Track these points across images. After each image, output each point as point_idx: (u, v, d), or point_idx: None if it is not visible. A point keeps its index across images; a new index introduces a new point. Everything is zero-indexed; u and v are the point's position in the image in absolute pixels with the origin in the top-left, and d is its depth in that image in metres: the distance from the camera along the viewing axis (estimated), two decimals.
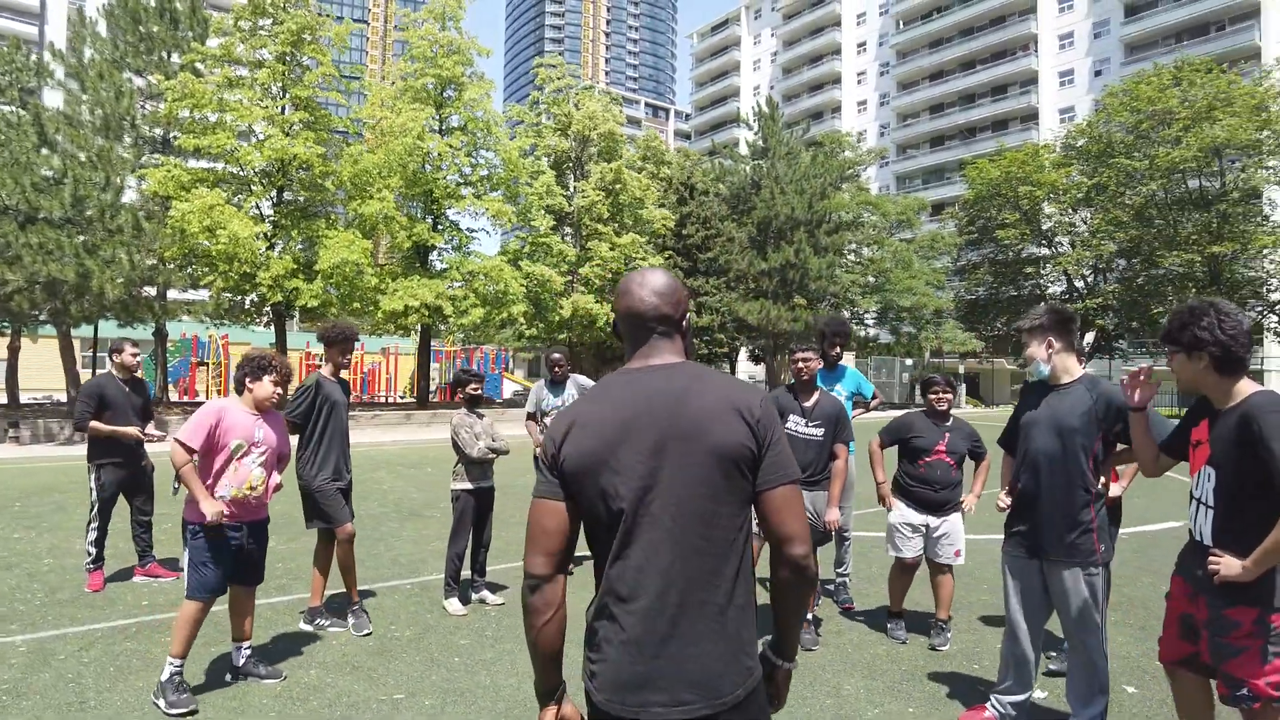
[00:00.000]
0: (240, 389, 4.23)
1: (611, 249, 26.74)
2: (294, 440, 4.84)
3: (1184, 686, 2.94)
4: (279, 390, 4.26)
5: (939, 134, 71.98)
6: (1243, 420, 2.58)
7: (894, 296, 34.22)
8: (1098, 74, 60.95)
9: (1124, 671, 4.36)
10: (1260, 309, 31.35)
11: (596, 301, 26.62)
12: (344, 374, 5.43)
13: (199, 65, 21.35)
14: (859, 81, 78.64)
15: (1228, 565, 2.58)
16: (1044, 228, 38.05)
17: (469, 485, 5.53)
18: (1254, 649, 2.56)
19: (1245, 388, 2.67)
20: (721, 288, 30.09)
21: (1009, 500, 3.69)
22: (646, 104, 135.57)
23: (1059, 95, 63.50)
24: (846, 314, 35.54)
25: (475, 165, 24.68)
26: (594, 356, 30.73)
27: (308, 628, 4.95)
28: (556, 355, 6.46)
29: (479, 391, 5.78)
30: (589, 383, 6.47)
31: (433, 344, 28.14)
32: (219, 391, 25.04)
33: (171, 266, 19.85)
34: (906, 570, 4.98)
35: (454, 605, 5.36)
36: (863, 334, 37.12)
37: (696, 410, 1.62)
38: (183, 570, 4.01)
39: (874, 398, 6.16)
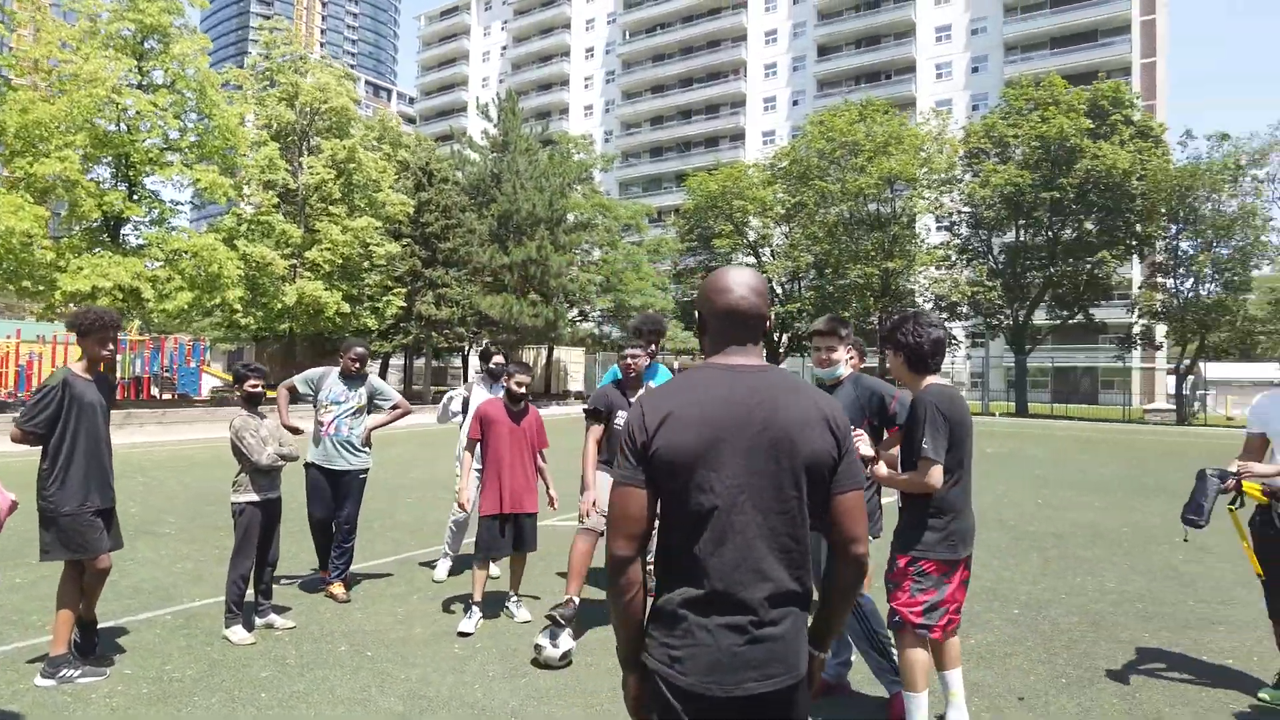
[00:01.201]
0: None
1: (343, 232, 24.78)
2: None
3: None
4: None
5: (659, 145, 76.56)
6: (912, 403, 3.35)
7: (625, 296, 35.90)
8: (795, 103, 68.78)
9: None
10: (946, 317, 37.68)
11: (326, 288, 24.54)
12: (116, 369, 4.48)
13: None
14: (586, 86, 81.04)
15: (877, 468, 3.45)
16: (751, 239, 42.16)
17: (255, 497, 4.85)
18: (897, 585, 3.36)
19: (928, 382, 3.38)
20: (462, 280, 29.35)
21: None
22: (367, 82, 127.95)
23: (763, 118, 70.66)
24: (577, 312, 36.65)
25: (185, 130, 21.49)
26: (311, 349, 28.26)
27: (48, 683, 4.02)
28: (360, 350, 5.85)
29: (259, 389, 5.10)
30: (387, 390, 5.97)
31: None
32: None
33: None
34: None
35: (238, 634, 4.67)
36: (595, 331, 38.51)
37: (791, 419, 1.73)
38: None
39: None
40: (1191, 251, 34.29)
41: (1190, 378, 34.19)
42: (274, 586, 5.11)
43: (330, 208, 25.20)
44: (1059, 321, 38.18)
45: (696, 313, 1.91)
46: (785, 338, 41.27)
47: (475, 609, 4.97)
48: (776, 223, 39.32)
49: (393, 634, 4.83)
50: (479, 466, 5.59)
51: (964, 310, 37.06)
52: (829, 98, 62.16)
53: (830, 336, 4.00)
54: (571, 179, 34.08)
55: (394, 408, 5.86)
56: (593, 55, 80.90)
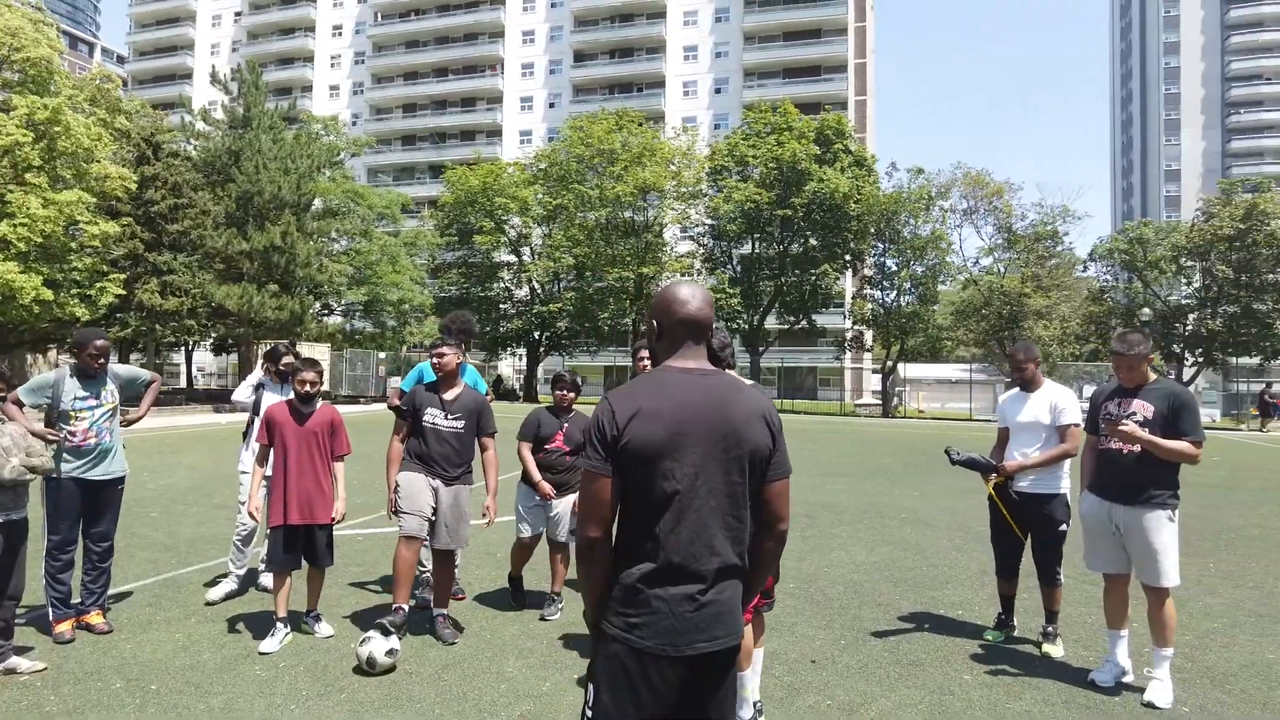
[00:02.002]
0: None
1: (45, 206, 20.93)
2: None
3: None
4: None
5: (411, 133, 73.78)
6: None
7: (381, 290, 34.25)
8: (552, 106, 69.68)
9: None
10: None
11: (21, 270, 20.57)
12: None
13: None
14: (333, 65, 75.97)
15: None
16: (512, 237, 42.18)
17: None
18: None
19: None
20: (193, 266, 26.11)
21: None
22: (62, 30, 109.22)
23: (520, 117, 70.77)
24: (321, 305, 34.24)
25: None
26: None
27: None
28: (101, 343, 5.09)
29: (3, 394, 4.35)
30: (133, 370, 5.30)
31: None
32: None
33: None
34: (526, 548, 5.50)
35: None
36: (348, 327, 36.29)
37: (739, 416, 2.00)
38: None
39: (488, 395, 6.38)
40: (894, 268, 39.84)
41: (891, 377, 39.72)
42: (13, 624, 4.36)
43: (28, 176, 21.17)
44: (787, 326, 42.46)
45: (654, 321, 2.14)
46: (544, 336, 41.76)
47: (280, 626, 4.61)
48: (537, 223, 39.75)
49: (177, 662, 4.35)
50: (270, 473, 5.17)
51: None
52: (584, 104, 63.79)
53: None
54: (321, 162, 31.81)
55: (148, 385, 5.28)
56: (340, 34, 75.99)
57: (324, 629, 4.82)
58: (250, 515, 4.91)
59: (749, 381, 3.74)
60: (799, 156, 36.36)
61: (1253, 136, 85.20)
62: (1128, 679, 4.26)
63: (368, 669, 4.19)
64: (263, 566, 5.77)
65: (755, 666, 3.61)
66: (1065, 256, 39.65)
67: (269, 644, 4.52)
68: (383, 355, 38.61)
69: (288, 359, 5.87)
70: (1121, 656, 4.31)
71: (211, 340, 34.96)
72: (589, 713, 1.99)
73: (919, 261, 38.74)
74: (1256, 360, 37.66)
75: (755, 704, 3.60)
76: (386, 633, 4.28)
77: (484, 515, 4.99)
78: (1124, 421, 4.14)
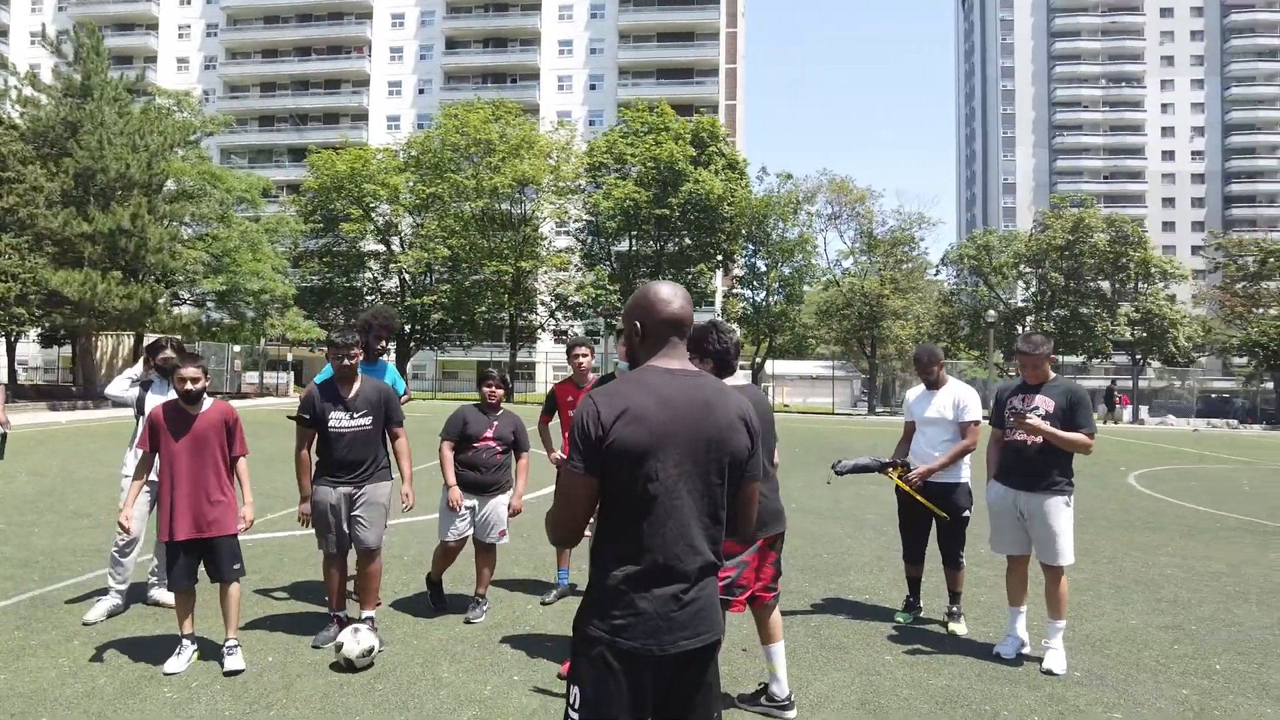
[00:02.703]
0: None
1: None
2: None
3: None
4: None
5: (270, 114, 69.57)
6: None
7: (240, 279, 32.05)
8: (421, 92, 67.54)
9: None
10: (568, 317, 39.80)
11: None
12: None
13: None
14: (181, 36, 70.46)
15: None
16: (380, 225, 40.59)
17: None
18: None
19: (733, 383, 3.71)
20: (22, 248, 23.38)
21: None
22: None
23: (388, 102, 68.16)
24: (170, 294, 31.65)
25: None
26: None
27: None
28: None
29: None
30: None
31: None
32: None
33: None
34: (450, 551, 5.21)
35: None
36: (204, 318, 33.70)
37: (721, 419, 2.03)
38: None
39: (405, 395, 6.12)
40: (763, 269, 41.33)
41: (759, 373, 41.21)
42: None
43: None
44: None
45: (635, 322, 2.11)
46: (415, 329, 40.47)
47: (186, 644, 4.25)
48: (409, 211, 38.41)
49: (67, 691, 3.92)
50: (155, 478, 4.73)
51: (584, 310, 39.99)
52: (457, 91, 62.30)
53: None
54: (174, 140, 29.36)
55: None
56: (190, 1, 70.46)
57: (235, 662, 4.22)
58: (120, 525, 4.45)
59: (743, 381, 3.79)
60: (676, 157, 37.03)
61: (1074, 157, 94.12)
62: (1026, 650, 4.65)
63: (338, 660, 4.19)
64: (152, 580, 5.33)
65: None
66: (919, 260, 42.43)
67: (174, 663, 4.16)
68: (237, 349, 36.23)
69: (166, 353, 5.31)
70: (1021, 630, 4.69)
71: (40, 331, 31.59)
72: (574, 716, 1.97)
73: (787, 263, 40.39)
74: (1080, 359, 41.72)
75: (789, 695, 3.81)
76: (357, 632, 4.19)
77: (403, 503, 4.83)
78: (1029, 416, 4.51)
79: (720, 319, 4.63)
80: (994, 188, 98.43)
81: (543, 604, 5.49)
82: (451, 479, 5.10)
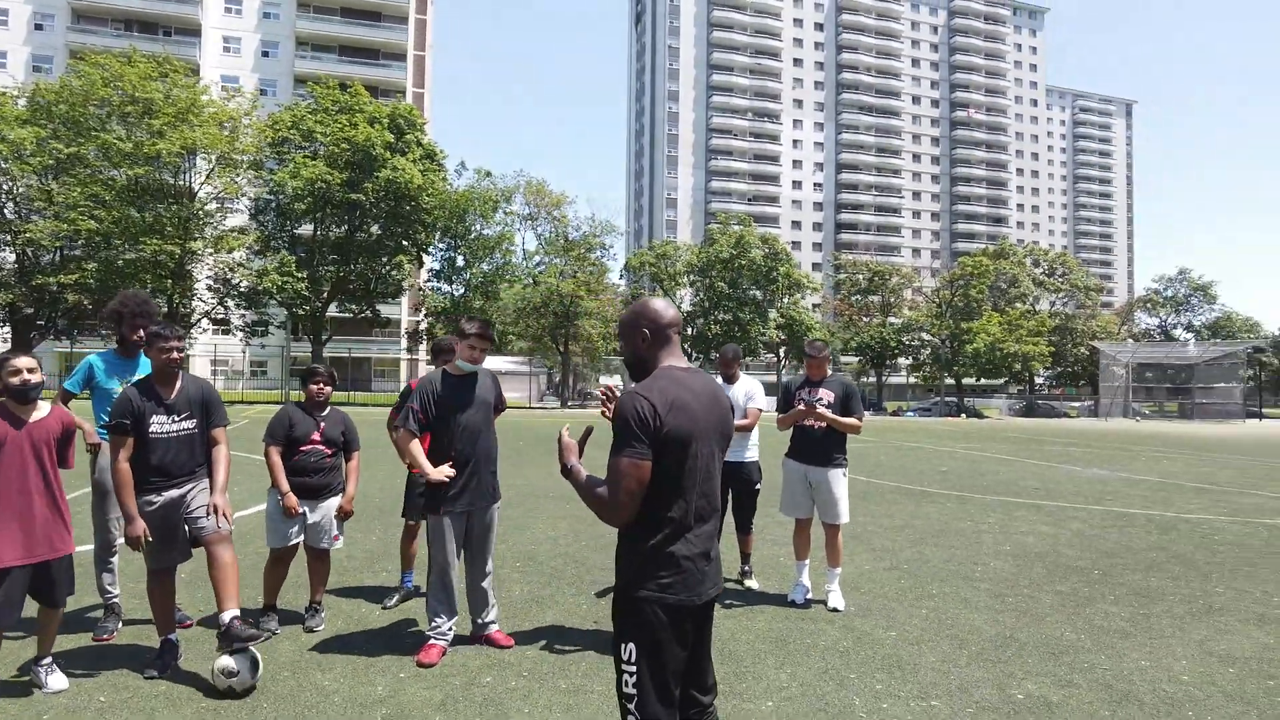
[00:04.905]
0: None
1: None
2: None
3: None
4: None
5: None
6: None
7: None
8: (39, 28, 56.16)
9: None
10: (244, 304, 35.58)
11: None
12: None
13: None
14: None
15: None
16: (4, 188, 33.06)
17: None
18: None
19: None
20: None
21: (451, 470, 4.54)
22: None
23: None
24: None
25: None
26: None
27: None
28: None
29: None
30: None
31: None
32: None
33: None
34: (281, 562, 4.94)
35: None
36: None
37: (725, 406, 2.56)
38: None
39: None
40: (462, 264, 41.19)
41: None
42: None
43: None
44: (350, 315, 40.99)
45: (645, 330, 2.51)
46: (47, 315, 33.72)
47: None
48: (37, 173, 31.74)
49: None
50: None
51: (262, 299, 36.46)
52: (90, 35, 53.03)
53: (485, 339, 4.61)
54: None
55: None
56: None
57: (57, 681, 3.85)
58: None
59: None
60: (374, 141, 35.39)
61: (726, 179, 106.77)
62: (810, 595, 5.75)
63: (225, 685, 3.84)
64: None
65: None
66: (600, 265, 45.36)
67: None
68: None
69: None
70: (806, 578, 5.79)
71: None
72: (629, 670, 2.33)
73: (486, 260, 40.73)
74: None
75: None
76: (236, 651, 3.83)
77: (210, 515, 4.16)
78: (818, 406, 5.60)
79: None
80: (660, 200, 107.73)
81: (384, 608, 5.37)
82: (284, 485, 4.77)
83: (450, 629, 4.54)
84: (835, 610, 5.49)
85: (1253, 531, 8.95)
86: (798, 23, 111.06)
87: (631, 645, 2.33)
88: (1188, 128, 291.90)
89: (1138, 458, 19.34)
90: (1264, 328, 70.64)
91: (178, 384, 4.25)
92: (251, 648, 3.98)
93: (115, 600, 4.81)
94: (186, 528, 4.20)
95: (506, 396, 5.25)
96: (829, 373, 5.88)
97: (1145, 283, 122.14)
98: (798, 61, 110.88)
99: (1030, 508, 10.41)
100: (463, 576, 4.70)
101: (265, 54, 60.58)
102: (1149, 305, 71.59)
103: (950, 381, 56.98)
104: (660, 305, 2.53)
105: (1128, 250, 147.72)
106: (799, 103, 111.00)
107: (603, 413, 2.84)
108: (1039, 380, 70.75)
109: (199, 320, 37.24)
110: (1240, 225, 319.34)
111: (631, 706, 2.31)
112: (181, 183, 34.35)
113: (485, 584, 4.74)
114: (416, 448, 4.53)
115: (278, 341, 42.91)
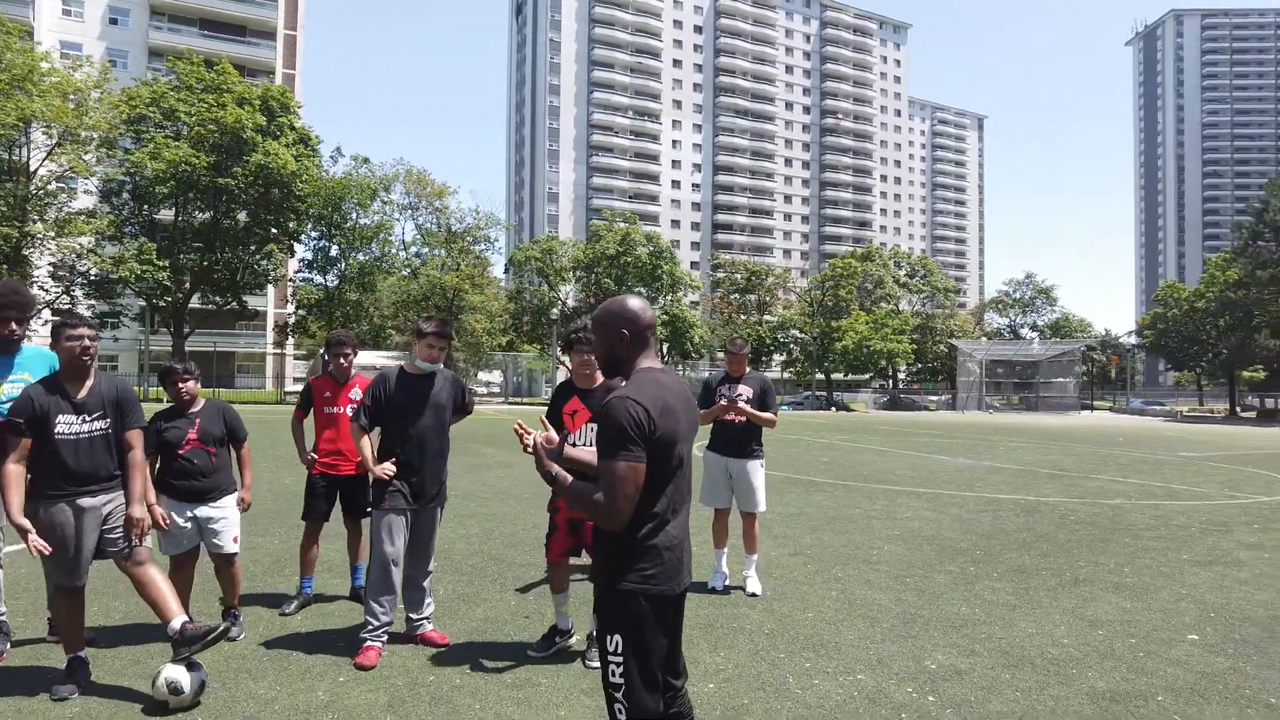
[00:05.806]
0: None
1: None
2: None
3: (562, 571, 4.62)
4: None
5: None
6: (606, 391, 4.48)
7: None
8: None
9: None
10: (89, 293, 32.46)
11: None
12: None
13: None
14: None
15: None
16: None
17: None
18: None
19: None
20: None
21: (392, 467, 4.50)
22: None
23: None
24: None
25: None
26: None
27: None
28: None
29: None
30: None
31: None
32: None
33: None
34: (183, 568, 4.62)
35: None
36: None
37: (695, 405, 2.66)
38: None
39: None
40: (336, 254, 39.53)
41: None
42: None
43: None
44: (213, 306, 38.57)
45: (624, 330, 2.54)
46: None
47: None
48: None
49: None
50: None
51: (120, 288, 33.74)
52: None
53: (443, 338, 4.64)
54: None
55: None
56: None
57: None
58: None
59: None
60: (244, 124, 33.37)
61: (607, 175, 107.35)
62: (728, 581, 6.01)
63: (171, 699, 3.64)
64: None
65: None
66: (483, 258, 44.74)
67: None
68: None
69: None
70: (724, 565, 6.05)
71: None
72: (616, 661, 2.41)
73: (363, 250, 39.29)
74: None
75: None
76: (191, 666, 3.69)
77: (125, 533, 3.94)
78: (738, 403, 5.87)
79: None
80: (540, 194, 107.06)
81: (282, 614, 5.14)
82: (151, 496, 4.26)
83: (385, 630, 4.47)
84: (754, 595, 5.77)
85: (1100, 511, 9.99)
86: (678, 24, 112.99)
87: (618, 637, 2.39)
88: (1031, 140, 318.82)
89: (996, 447, 21.04)
90: (1094, 328, 78.03)
91: (89, 380, 3.92)
92: (204, 667, 3.81)
93: (2, 619, 4.44)
94: (97, 544, 3.90)
95: None
96: (747, 370, 6.15)
97: (996, 285, 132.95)
98: (677, 63, 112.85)
99: (910, 495, 11.19)
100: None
101: (114, 20, 55.84)
102: (999, 306, 77.53)
103: (820, 377, 59.85)
104: (638, 306, 2.56)
105: (979, 254, 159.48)
106: (678, 104, 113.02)
107: (524, 449, 2.78)
108: (901, 375, 75.33)
109: (39, 311, 33.90)
110: (1075, 232, 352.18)
111: (619, 695, 2.38)
112: (17, 158, 31.21)
113: (425, 583, 4.72)
114: (366, 444, 4.47)
115: (131, 335, 39.72)
